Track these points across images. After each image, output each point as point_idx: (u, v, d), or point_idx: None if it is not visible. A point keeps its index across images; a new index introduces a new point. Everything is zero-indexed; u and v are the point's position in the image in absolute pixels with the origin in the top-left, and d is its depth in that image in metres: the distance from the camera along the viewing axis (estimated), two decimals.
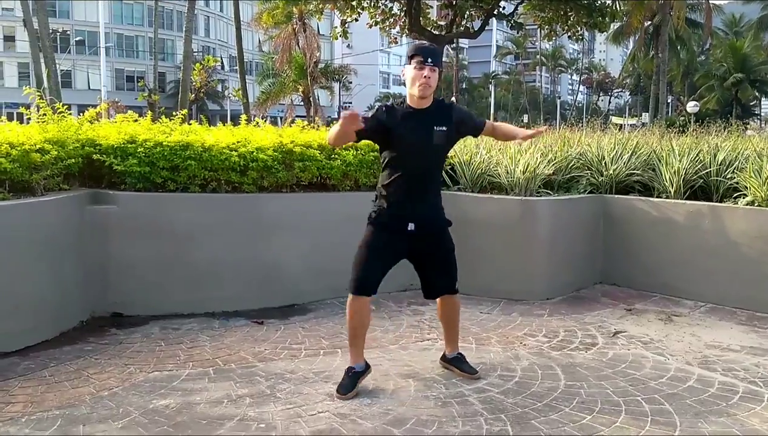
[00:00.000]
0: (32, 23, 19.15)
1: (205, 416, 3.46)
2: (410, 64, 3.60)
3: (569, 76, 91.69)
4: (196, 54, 60.35)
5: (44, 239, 4.59)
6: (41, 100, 5.39)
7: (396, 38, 29.84)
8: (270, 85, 30.57)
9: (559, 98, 77.79)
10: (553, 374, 4.08)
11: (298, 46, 28.02)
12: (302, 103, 30.76)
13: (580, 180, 6.39)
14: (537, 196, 5.97)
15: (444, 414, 3.50)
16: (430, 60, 3.55)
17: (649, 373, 4.11)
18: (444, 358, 4.17)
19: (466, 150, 6.44)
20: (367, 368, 3.86)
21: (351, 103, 76.85)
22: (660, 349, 4.59)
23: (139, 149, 5.15)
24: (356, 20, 27.33)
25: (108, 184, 5.31)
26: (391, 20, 26.73)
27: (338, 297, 5.48)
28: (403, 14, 25.62)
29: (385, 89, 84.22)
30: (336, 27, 26.44)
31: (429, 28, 26.57)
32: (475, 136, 4.04)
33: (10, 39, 60.26)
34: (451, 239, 3.99)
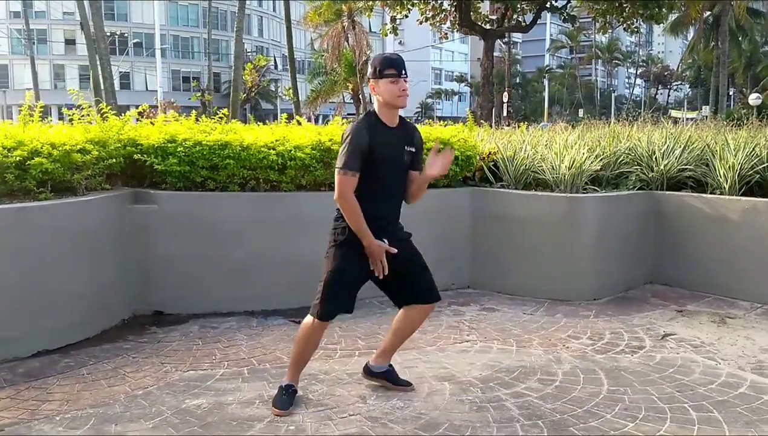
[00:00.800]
0: (89, 27, 19.60)
1: (236, 416, 3.43)
2: (380, 77, 3.42)
3: (626, 70, 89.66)
4: (249, 54, 61.22)
5: (84, 239, 4.64)
6: (84, 101, 5.47)
7: (446, 34, 29.67)
8: (320, 84, 30.68)
9: (614, 92, 76.05)
10: (596, 379, 3.92)
11: (348, 43, 28.05)
12: (352, 101, 30.79)
13: (630, 176, 6.17)
14: (583, 192, 5.78)
15: (478, 419, 3.40)
16: (403, 72, 3.43)
17: (698, 378, 3.92)
18: (368, 371, 3.85)
19: (510, 146, 6.28)
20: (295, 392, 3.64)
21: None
22: (711, 353, 4.38)
23: (179, 149, 5.17)
24: (406, 16, 27.25)
25: (150, 184, 5.36)
26: (441, 16, 26.59)
27: (377, 297, 5.40)
28: (453, 9, 25.45)
29: (437, 85, 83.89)
30: (386, 24, 26.42)
31: (479, 23, 26.34)
32: (412, 169, 3.62)
33: (71, 42, 62.10)
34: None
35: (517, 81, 79.47)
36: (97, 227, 4.78)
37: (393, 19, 26.23)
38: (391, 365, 3.86)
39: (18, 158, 4.52)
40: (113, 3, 62.92)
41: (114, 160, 5.10)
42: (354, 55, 28.27)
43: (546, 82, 69.48)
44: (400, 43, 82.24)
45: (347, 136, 3.39)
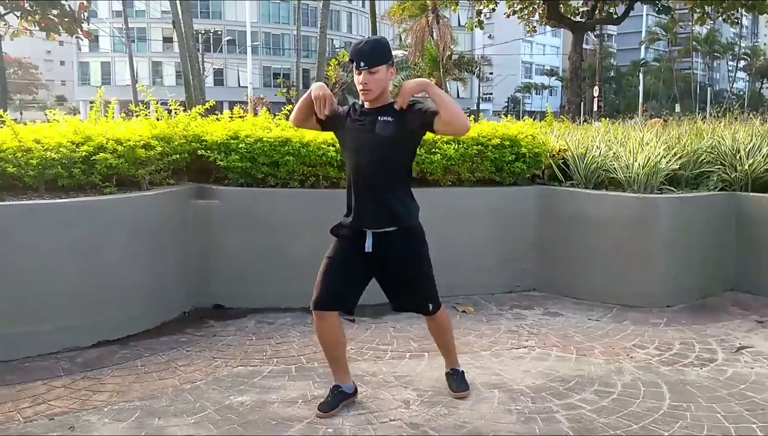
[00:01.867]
0: (181, 25, 20.25)
1: (277, 416, 3.40)
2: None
3: (727, 63, 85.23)
4: (337, 50, 61.87)
5: (146, 232, 4.74)
6: (153, 98, 5.59)
7: (535, 27, 29.04)
8: (403, 79, 30.59)
9: (710, 86, 72.32)
10: (658, 393, 3.67)
11: (432, 38, 27.89)
12: None
13: (711, 176, 5.78)
14: (658, 193, 5.46)
15: (524, 431, 3.24)
16: (362, 64, 3.21)
17: None
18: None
19: (581, 143, 6.01)
20: (355, 392, 3.56)
21: (492, 94, 75.88)
22: None
23: (241, 145, 5.20)
24: (493, 10, 26.82)
25: (214, 180, 5.42)
26: (530, 9, 26.02)
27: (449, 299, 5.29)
28: (541, 2, 24.86)
29: (527, 79, 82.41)
30: (471, 17, 26.11)
31: (568, 15, 25.64)
32: (430, 130, 3.31)
33: (168, 40, 64.43)
34: (420, 245, 3.48)
35: (611, 75, 77.08)
36: (159, 221, 4.87)
37: (479, 13, 25.89)
38: (453, 369, 3.74)
39: (84, 153, 4.66)
40: (208, 2, 65.03)
41: (178, 155, 5.19)
42: (438, 49, 28.08)
43: (641, 75, 66.93)
44: (489, 36, 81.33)
45: None
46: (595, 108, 34.63)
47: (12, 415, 3.39)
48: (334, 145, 5.25)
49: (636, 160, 5.41)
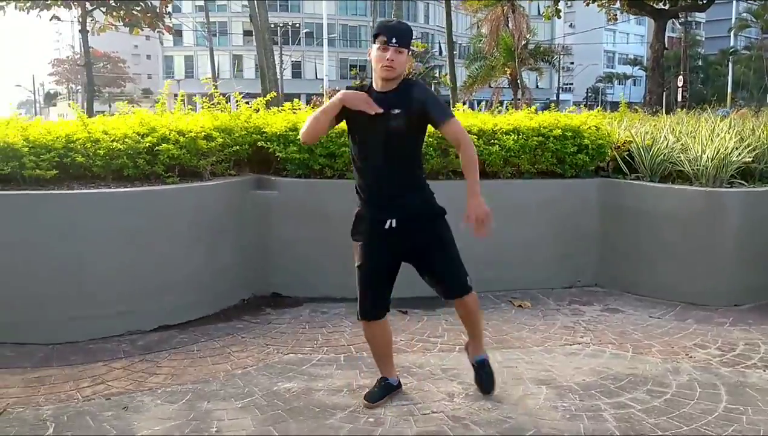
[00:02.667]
0: (258, 19, 20.64)
1: (321, 403, 3.45)
2: (375, 43, 3.22)
3: None
4: (414, 40, 61.79)
5: (207, 221, 4.88)
6: (216, 90, 5.73)
7: (615, 15, 28.18)
8: (477, 69, 30.32)
9: None
10: (715, 394, 3.53)
11: (508, 27, 27.49)
12: (509, 86, 30.15)
13: None
14: (728, 186, 5.23)
15: (569, 429, 3.17)
16: (394, 40, 3.15)
17: None
18: (469, 357, 3.71)
19: (649, 135, 5.81)
20: (399, 385, 3.58)
21: (572, 84, 74.17)
22: None
23: (299, 137, 5.26)
24: None
25: (274, 171, 5.52)
26: None
27: (492, 291, 5.25)
28: None
29: (610, 69, 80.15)
30: (548, 6, 25.58)
31: (650, 3, 24.75)
32: (435, 127, 3.30)
33: (248, 34, 65.73)
34: (447, 229, 3.42)
35: (698, 64, 74.00)
36: (219, 210, 5.00)
37: (556, 1, 25.32)
38: (481, 359, 3.62)
39: (148, 144, 4.83)
40: None
41: (239, 147, 5.31)
42: (513, 39, 27.65)
43: (730, 65, 63.97)
44: (570, 25, 79.38)
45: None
46: (680, 98, 33.37)
47: (72, 394, 3.57)
48: None
49: (704, 153, 5.19)
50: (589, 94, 70.25)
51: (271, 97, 6.02)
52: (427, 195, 3.42)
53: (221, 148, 5.14)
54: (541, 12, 21.44)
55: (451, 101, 18.17)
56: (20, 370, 3.86)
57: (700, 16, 70.35)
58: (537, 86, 48.43)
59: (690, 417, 3.27)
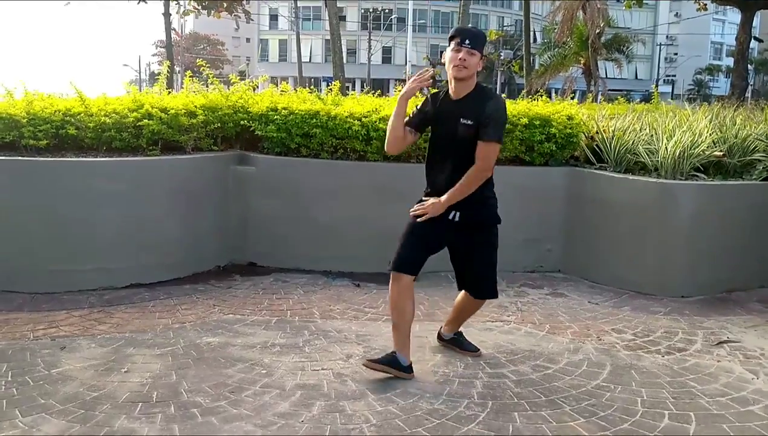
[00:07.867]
0: (334, 4, 21.24)
1: (229, 356, 3.83)
2: (450, 46, 3.51)
3: None
4: (507, 28, 61.05)
5: (185, 191, 5.37)
6: (265, 76, 6.20)
7: (705, 5, 27.05)
8: (550, 58, 29.81)
9: None
10: (595, 373, 3.70)
11: (584, 14, 26.88)
12: (582, 75, 29.49)
13: (757, 165, 5.44)
14: (691, 179, 5.25)
15: (433, 390, 3.42)
16: (467, 42, 3.43)
17: (714, 389, 3.51)
18: (440, 337, 4.07)
19: (619, 126, 5.87)
20: (409, 368, 3.60)
21: (675, 75, 71.19)
22: (762, 366, 3.84)
23: (277, 117, 5.67)
24: None
25: (260, 149, 5.93)
26: None
27: (451, 271, 5.46)
28: None
29: (717, 61, 76.40)
30: None
31: None
32: (479, 136, 3.46)
33: (317, 18, 66.60)
34: (495, 237, 3.71)
35: None
36: (198, 182, 5.47)
37: None
38: (458, 333, 4.03)
39: (133, 119, 5.34)
40: None
41: (224, 124, 5.75)
42: (587, 27, 27.04)
43: None
44: (675, 15, 75.89)
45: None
46: None
47: (26, 334, 4.11)
48: (360, 120, 5.58)
49: (665, 145, 5.23)
50: (692, 87, 67.31)
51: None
52: (490, 200, 3.67)
53: (204, 125, 5.60)
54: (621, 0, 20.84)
55: (524, 90, 18.04)
56: None
57: None
58: (607, 75, 45.25)
59: (555, 390, 3.47)
